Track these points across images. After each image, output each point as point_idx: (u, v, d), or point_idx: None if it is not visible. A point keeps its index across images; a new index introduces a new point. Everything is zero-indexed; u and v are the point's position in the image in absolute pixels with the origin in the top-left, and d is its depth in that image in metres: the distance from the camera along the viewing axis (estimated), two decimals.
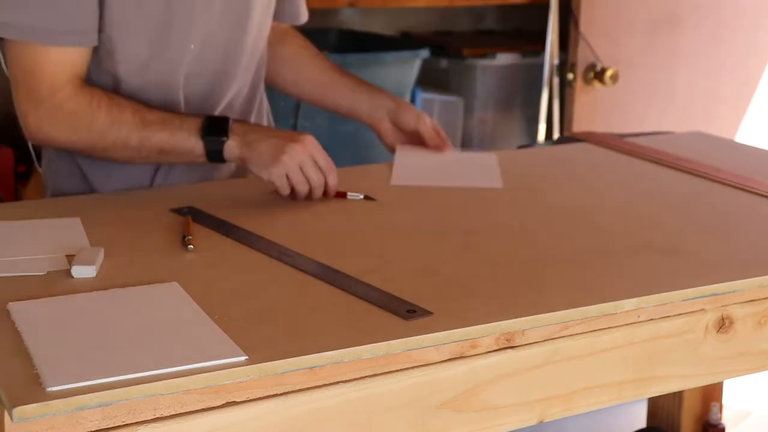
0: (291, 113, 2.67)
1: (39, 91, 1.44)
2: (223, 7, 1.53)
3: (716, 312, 1.21)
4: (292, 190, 1.46)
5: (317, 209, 1.45)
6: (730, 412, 2.64)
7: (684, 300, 1.19)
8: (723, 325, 1.22)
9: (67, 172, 1.57)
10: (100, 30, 1.45)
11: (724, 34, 3.21)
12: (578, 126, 2.99)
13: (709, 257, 1.30)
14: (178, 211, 1.40)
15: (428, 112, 3.08)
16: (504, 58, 3.18)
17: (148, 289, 1.13)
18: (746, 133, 3.30)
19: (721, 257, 1.31)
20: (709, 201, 1.56)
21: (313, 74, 1.81)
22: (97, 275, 1.17)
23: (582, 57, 2.98)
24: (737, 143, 2.11)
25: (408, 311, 1.09)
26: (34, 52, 1.43)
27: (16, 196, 2.58)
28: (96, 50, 1.47)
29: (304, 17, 1.80)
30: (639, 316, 1.17)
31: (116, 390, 0.91)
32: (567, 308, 1.12)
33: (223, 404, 0.96)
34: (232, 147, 1.45)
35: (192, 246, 1.26)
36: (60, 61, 1.44)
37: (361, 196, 1.49)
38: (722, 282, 1.21)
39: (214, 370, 0.95)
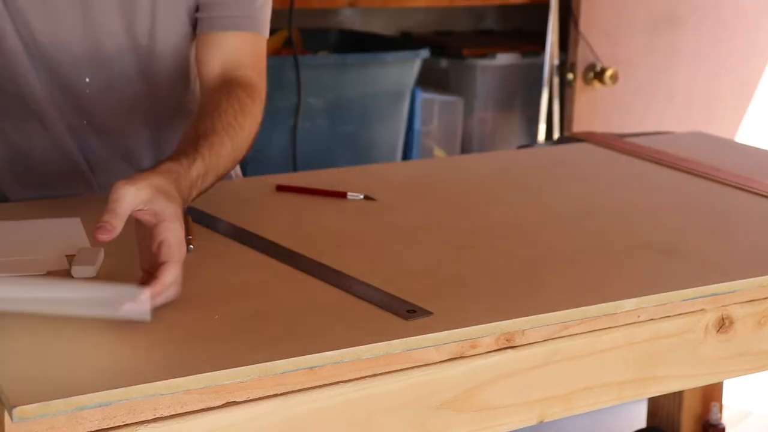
0: (291, 113, 2.67)
1: None
2: None
3: (716, 312, 1.21)
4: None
5: (317, 209, 1.45)
6: (730, 412, 2.64)
7: (684, 300, 1.19)
8: (723, 325, 1.22)
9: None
10: None
11: (724, 34, 3.21)
12: (578, 126, 2.99)
13: (709, 257, 1.30)
14: None
15: (428, 112, 3.11)
16: (504, 58, 3.18)
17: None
18: (746, 133, 3.30)
19: (721, 257, 1.31)
20: (709, 201, 1.56)
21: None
22: (97, 275, 1.17)
23: (582, 57, 2.98)
24: (737, 143, 2.11)
25: (408, 311, 1.09)
26: None
27: None
28: None
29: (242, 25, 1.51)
30: (639, 316, 1.17)
31: (116, 390, 0.91)
32: (567, 308, 1.12)
33: (223, 404, 0.96)
34: None
35: (192, 246, 1.26)
36: None
37: (361, 196, 1.49)
38: (722, 282, 1.21)
39: (214, 370, 0.95)
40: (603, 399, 1.17)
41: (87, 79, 1.47)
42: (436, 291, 1.16)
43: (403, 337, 1.04)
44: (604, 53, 2.99)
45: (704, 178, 1.65)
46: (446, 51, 3.17)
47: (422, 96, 3.03)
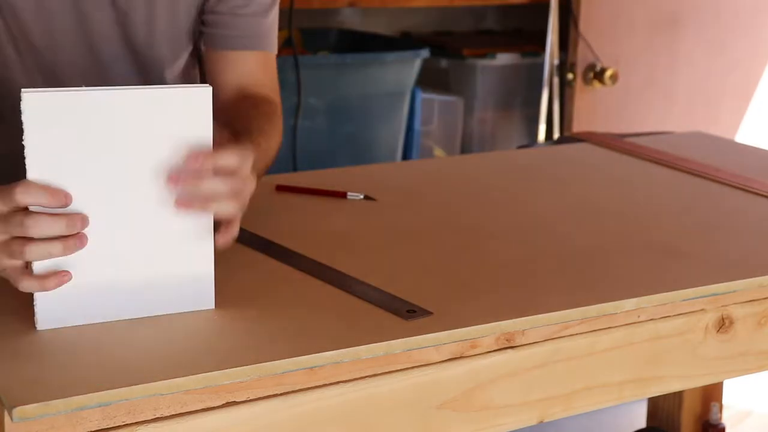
0: (291, 113, 2.67)
1: None
2: None
3: (716, 312, 1.21)
4: None
5: (317, 209, 1.45)
6: (730, 412, 2.64)
7: (684, 300, 1.19)
8: (723, 325, 1.22)
9: None
10: None
11: (724, 34, 3.21)
12: (578, 126, 2.99)
13: (709, 257, 1.30)
14: None
15: (428, 112, 3.11)
16: (504, 58, 3.18)
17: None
18: (746, 133, 3.31)
19: (721, 257, 1.31)
20: (709, 201, 1.56)
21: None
22: None
23: (582, 57, 2.98)
24: (737, 143, 2.11)
25: (408, 311, 1.09)
26: None
27: None
28: None
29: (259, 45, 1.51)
30: (639, 316, 1.17)
31: (116, 390, 0.91)
32: (567, 308, 1.12)
33: (223, 404, 0.96)
34: None
35: None
36: None
37: (361, 196, 1.49)
38: (722, 282, 1.21)
39: (214, 370, 0.95)
40: (603, 399, 1.17)
41: (82, 86, 1.47)
42: (436, 291, 1.16)
43: (403, 337, 1.04)
44: (604, 53, 2.99)
45: (704, 178, 1.65)
46: (446, 51, 3.17)
47: (422, 96, 3.03)
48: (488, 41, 3.30)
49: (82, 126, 0.99)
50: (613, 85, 2.99)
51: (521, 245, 1.33)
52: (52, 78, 1.44)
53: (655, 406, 2.11)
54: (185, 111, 1.02)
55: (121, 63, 1.46)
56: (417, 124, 3.02)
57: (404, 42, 3.19)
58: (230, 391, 0.96)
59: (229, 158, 1.06)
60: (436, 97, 3.14)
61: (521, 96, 3.25)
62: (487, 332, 1.08)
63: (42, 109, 0.98)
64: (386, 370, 1.03)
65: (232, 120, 1.34)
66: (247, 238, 1.31)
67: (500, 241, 1.34)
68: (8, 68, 1.42)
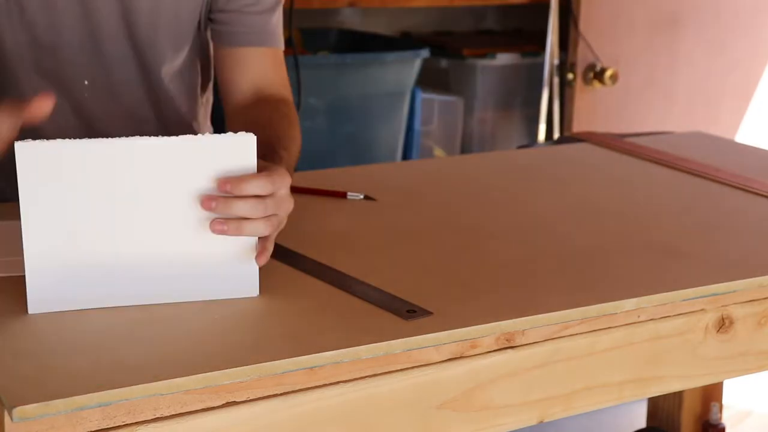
0: None
1: None
2: None
3: (716, 312, 1.21)
4: None
5: (317, 209, 1.45)
6: (730, 412, 2.64)
7: (684, 300, 1.19)
8: (723, 325, 1.22)
9: None
10: None
11: (724, 34, 3.21)
12: (578, 126, 2.99)
13: (709, 257, 1.30)
14: None
15: (428, 112, 3.10)
16: (504, 58, 3.18)
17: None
18: (746, 133, 3.31)
19: (721, 257, 1.31)
20: (709, 201, 1.56)
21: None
22: None
23: (582, 57, 2.98)
24: (737, 143, 2.11)
25: (408, 311, 1.09)
26: None
27: None
28: None
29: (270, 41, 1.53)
30: (639, 316, 1.17)
31: (116, 390, 0.91)
32: (567, 308, 1.12)
33: (223, 404, 0.96)
34: None
35: None
36: None
37: (361, 196, 1.49)
38: (722, 282, 1.21)
39: (214, 370, 0.95)
40: (603, 399, 1.17)
41: (86, 82, 1.47)
42: (436, 291, 1.16)
43: (403, 337, 1.04)
44: (604, 53, 2.99)
45: (704, 178, 1.65)
46: (446, 51, 3.17)
47: (422, 96, 3.04)
48: (488, 41, 3.30)
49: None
50: (613, 85, 2.99)
51: (521, 245, 1.33)
52: (53, 76, 1.44)
53: (655, 406, 2.11)
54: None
55: (123, 60, 1.47)
56: (417, 124, 3.02)
57: (404, 42, 3.19)
58: (230, 391, 0.96)
59: (263, 185, 1.09)
60: (436, 97, 3.14)
61: (521, 96, 3.25)
62: (487, 332, 1.08)
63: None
64: (386, 370, 1.03)
65: (258, 127, 1.36)
66: None
67: (500, 241, 1.34)
68: (14, 62, 1.43)
